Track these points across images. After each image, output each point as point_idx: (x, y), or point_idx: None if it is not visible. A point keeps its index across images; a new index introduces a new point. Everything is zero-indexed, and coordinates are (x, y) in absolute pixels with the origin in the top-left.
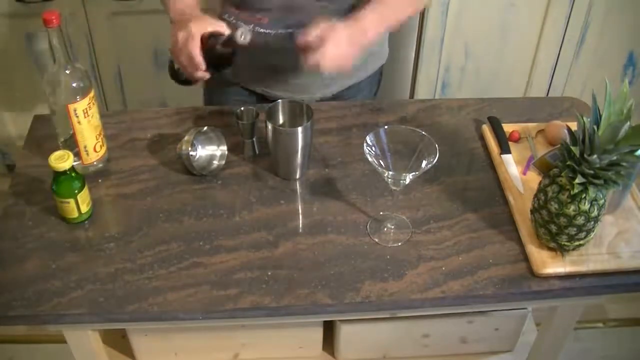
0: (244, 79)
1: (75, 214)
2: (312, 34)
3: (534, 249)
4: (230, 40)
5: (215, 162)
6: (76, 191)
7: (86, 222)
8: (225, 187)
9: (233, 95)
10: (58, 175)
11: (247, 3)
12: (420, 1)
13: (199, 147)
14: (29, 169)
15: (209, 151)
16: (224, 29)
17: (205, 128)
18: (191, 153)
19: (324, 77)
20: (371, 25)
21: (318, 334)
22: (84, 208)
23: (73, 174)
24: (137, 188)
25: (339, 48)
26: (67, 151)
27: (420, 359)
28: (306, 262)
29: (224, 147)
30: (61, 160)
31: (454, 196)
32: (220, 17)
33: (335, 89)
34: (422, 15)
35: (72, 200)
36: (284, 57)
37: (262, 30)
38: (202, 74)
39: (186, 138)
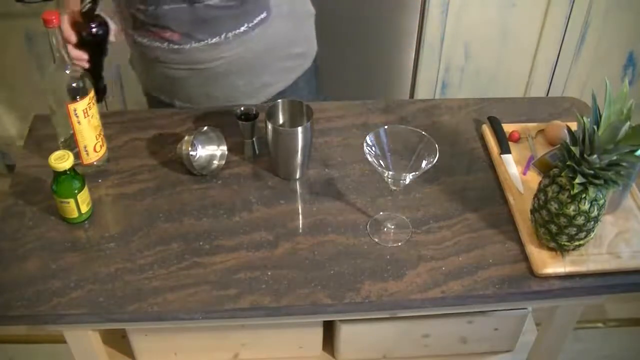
0: (166, 94)
1: (75, 214)
2: None
3: (534, 249)
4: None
5: (215, 162)
6: (76, 191)
7: (86, 222)
8: (225, 187)
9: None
10: (58, 175)
11: (154, 22)
12: None
13: (199, 147)
14: (29, 169)
15: (209, 151)
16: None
17: (206, 128)
18: (191, 153)
19: (246, 88)
20: None
21: (318, 334)
22: (84, 208)
23: (73, 174)
24: (137, 188)
25: None
26: (67, 151)
27: (420, 359)
28: (306, 262)
29: (224, 147)
30: (61, 160)
31: (454, 196)
32: (134, 41)
33: (263, 97)
34: (422, 15)
35: (72, 201)
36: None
37: (175, 46)
38: (78, 54)
39: (186, 138)
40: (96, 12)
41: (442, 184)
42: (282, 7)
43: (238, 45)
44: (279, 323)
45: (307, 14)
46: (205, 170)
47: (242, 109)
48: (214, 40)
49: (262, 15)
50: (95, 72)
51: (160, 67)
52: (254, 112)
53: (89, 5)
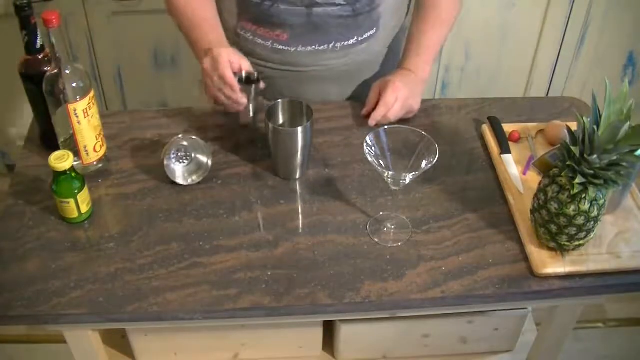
0: None
1: (75, 214)
2: (372, 101)
3: (534, 249)
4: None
5: (194, 177)
6: (76, 191)
7: (86, 222)
8: (225, 187)
9: None
10: (58, 175)
11: (265, 19)
12: (452, 15)
13: (174, 158)
14: (29, 169)
15: (187, 163)
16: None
17: (191, 138)
18: (165, 162)
19: (337, 97)
20: (423, 69)
21: (318, 334)
22: (84, 208)
23: (73, 174)
24: (137, 188)
25: (404, 104)
26: (67, 151)
27: (420, 359)
28: (306, 262)
29: (205, 159)
30: (61, 160)
31: (454, 196)
32: (235, 32)
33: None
34: None
35: (72, 201)
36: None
37: (280, 47)
38: (239, 97)
39: (165, 147)
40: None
41: (442, 184)
42: (387, 27)
43: (343, 56)
44: (279, 323)
45: (393, 28)
46: (183, 180)
47: (244, 73)
48: (321, 47)
49: (372, 32)
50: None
51: (254, 63)
52: (256, 77)
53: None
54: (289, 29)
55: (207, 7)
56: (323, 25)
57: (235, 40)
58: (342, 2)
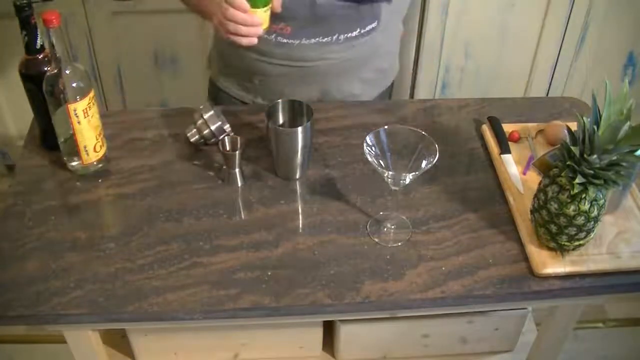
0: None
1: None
2: None
3: (534, 249)
4: None
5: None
6: None
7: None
8: (225, 187)
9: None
10: None
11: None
12: None
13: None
14: (29, 169)
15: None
16: None
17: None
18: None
19: (337, 93)
20: None
21: (318, 334)
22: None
23: None
24: (137, 188)
25: None
26: None
27: (420, 359)
28: (306, 262)
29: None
30: None
31: (454, 196)
32: None
33: None
34: (422, 15)
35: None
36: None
37: (284, 40)
38: (256, 20)
39: (202, 107)
40: None
41: (442, 184)
42: (388, 20)
43: (346, 49)
44: (279, 323)
45: (399, 31)
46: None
47: (226, 137)
48: (325, 39)
49: (373, 24)
50: None
51: (253, 61)
52: (239, 141)
53: None
54: (293, 22)
55: None
56: (326, 16)
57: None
58: None
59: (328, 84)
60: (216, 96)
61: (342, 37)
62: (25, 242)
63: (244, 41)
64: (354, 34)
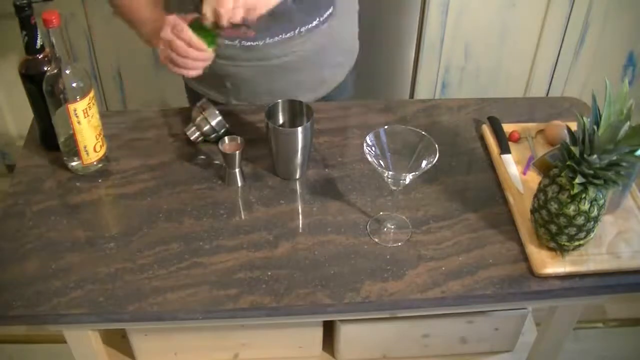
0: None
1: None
2: None
3: (534, 249)
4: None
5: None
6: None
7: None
8: (225, 187)
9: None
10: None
11: None
12: None
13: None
14: (29, 169)
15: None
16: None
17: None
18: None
19: (308, 84)
20: None
21: (318, 334)
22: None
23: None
24: (137, 188)
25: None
26: None
27: (420, 359)
28: (306, 262)
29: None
30: None
31: (454, 196)
32: None
33: (320, 94)
34: (422, 15)
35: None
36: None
37: (248, 43)
38: (205, 55)
39: (199, 104)
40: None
41: (442, 184)
42: (343, 3)
43: (308, 40)
44: (279, 323)
45: (355, 10)
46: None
47: (225, 137)
48: (288, 35)
49: (330, 10)
50: None
51: (222, 66)
52: (238, 140)
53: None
54: (253, 24)
55: (147, 5)
56: (284, 12)
57: None
58: None
59: (298, 76)
60: (194, 98)
61: (303, 29)
62: (25, 242)
63: (192, 73)
64: (314, 23)
